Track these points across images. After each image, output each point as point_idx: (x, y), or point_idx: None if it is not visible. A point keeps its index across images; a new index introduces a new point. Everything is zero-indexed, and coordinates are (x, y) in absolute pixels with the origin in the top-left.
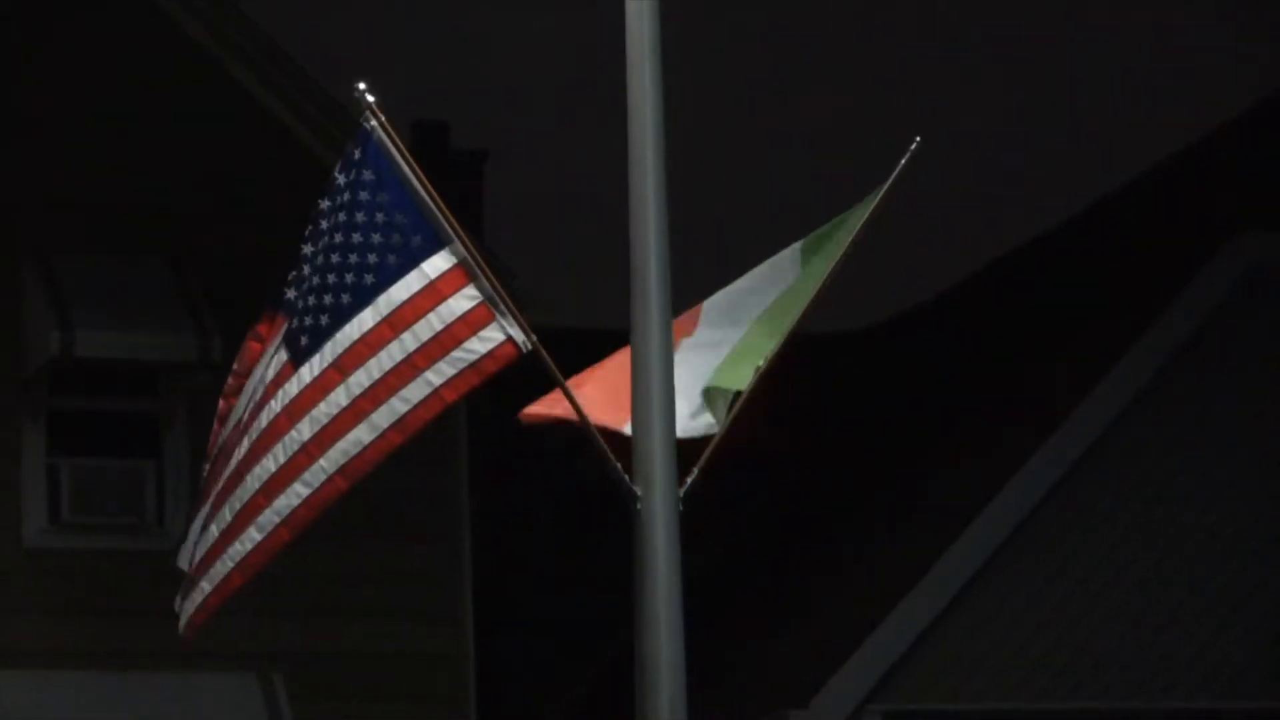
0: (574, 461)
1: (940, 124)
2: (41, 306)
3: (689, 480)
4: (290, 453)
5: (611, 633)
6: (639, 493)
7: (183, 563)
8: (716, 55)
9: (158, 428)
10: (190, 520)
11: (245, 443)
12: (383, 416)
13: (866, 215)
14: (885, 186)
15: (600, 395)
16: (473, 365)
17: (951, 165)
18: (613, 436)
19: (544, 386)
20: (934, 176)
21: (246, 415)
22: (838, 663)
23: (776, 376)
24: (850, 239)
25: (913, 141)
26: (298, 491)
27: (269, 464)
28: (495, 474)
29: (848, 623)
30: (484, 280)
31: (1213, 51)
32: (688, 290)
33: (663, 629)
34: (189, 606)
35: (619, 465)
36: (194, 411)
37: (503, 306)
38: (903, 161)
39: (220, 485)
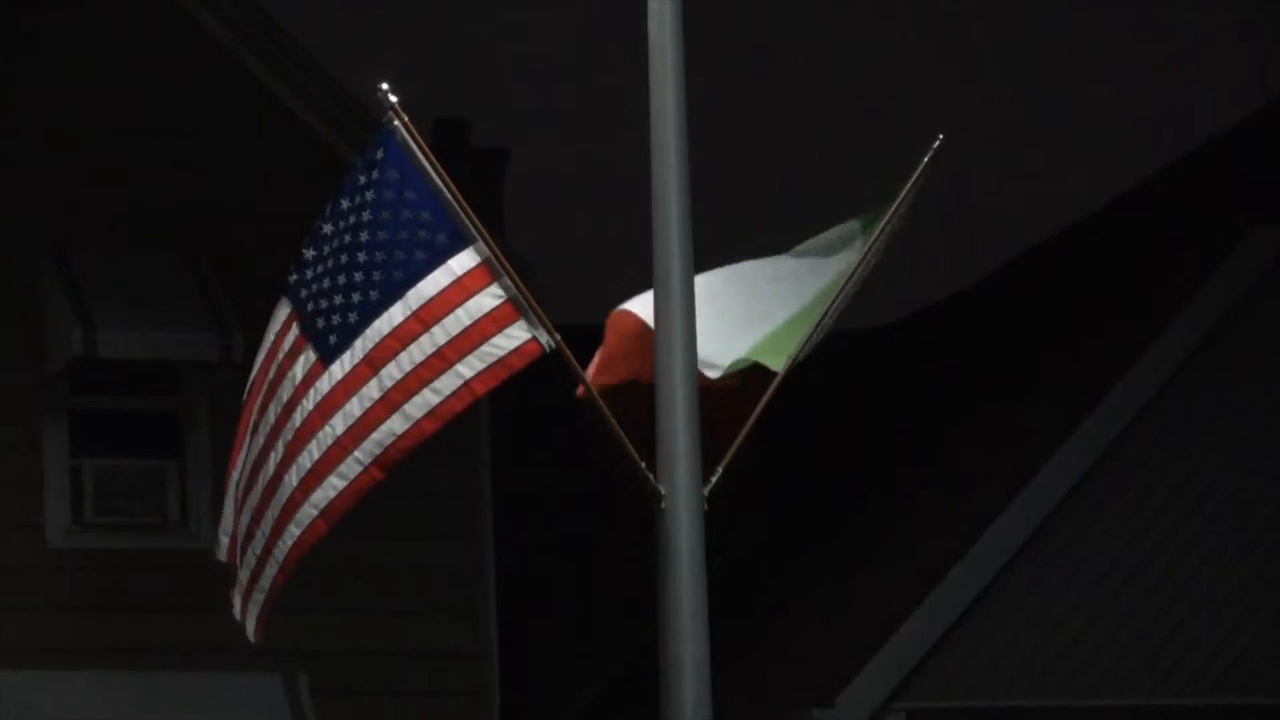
0: (599, 456)
1: (958, 121)
2: (63, 306)
3: (713, 480)
4: (324, 447)
5: (636, 630)
6: (663, 492)
7: (221, 554)
8: (737, 54)
9: (180, 427)
10: (225, 510)
11: (280, 445)
12: (415, 407)
13: (887, 219)
14: (908, 186)
15: (610, 366)
16: (500, 360)
17: (968, 163)
18: (632, 397)
19: (568, 380)
20: (952, 173)
21: (276, 418)
22: (861, 661)
23: (798, 373)
24: (872, 243)
25: (935, 139)
26: (333, 484)
27: (304, 461)
28: (518, 468)
29: (871, 621)
30: (507, 280)
31: (1232, 46)
32: None
33: (687, 627)
34: (254, 610)
35: (643, 464)
36: (216, 410)
37: (526, 307)
38: (925, 160)
39: (260, 491)
